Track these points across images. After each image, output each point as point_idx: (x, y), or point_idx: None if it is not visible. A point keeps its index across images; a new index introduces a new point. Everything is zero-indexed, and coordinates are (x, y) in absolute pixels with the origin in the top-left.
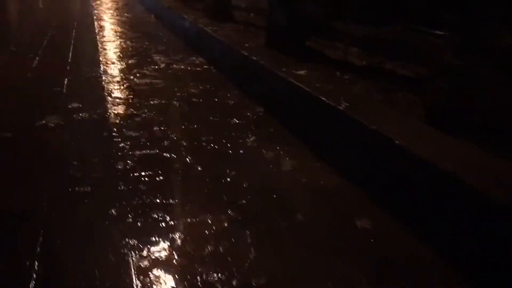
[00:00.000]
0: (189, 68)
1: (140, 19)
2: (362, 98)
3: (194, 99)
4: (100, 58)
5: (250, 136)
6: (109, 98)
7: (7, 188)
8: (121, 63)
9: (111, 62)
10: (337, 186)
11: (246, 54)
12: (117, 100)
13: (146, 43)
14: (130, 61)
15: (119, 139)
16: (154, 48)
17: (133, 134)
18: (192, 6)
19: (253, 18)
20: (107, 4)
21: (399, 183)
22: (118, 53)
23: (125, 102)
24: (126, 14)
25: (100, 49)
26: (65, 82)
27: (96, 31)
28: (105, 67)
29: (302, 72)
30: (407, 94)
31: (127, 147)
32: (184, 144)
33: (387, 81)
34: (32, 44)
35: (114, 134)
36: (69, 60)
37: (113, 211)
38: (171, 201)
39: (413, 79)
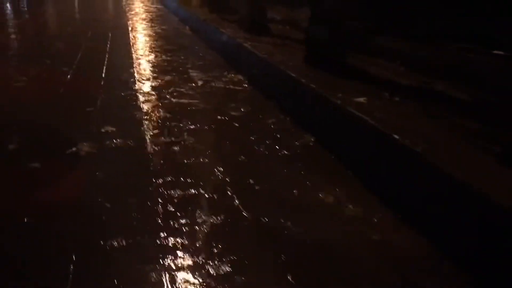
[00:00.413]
0: (228, 86)
1: (175, 31)
2: (437, 136)
3: (236, 124)
4: (135, 74)
5: (302, 173)
6: (145, 122)
7: (25, 239)
8: (157, 80)
9: (147, 78)
10: (418, 250)
11: (293, 75)
12: (154, 123)
13: (182, 57)
14: (166, 78)
15: (157, 175)
16: (191, 63)
17: (172, 168)
18: (227, 18)
19: (289, 31)
20: (141, 15)
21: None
22: (154, 69)
23: (163, 126)
24: (161, 26)
25: (135, 64)
26: (99, 101)
27: (131, 43)
28: (140, 83)
29: (361, 99)
30: (471, 123)
31: (166, 184)
32: (229, 182)
33: (444, 105)
34: (67, 57)
35: (151, 168)
36: (103, 75)
37: (153, 274)
38: (215, 262)
39: (470, 102)
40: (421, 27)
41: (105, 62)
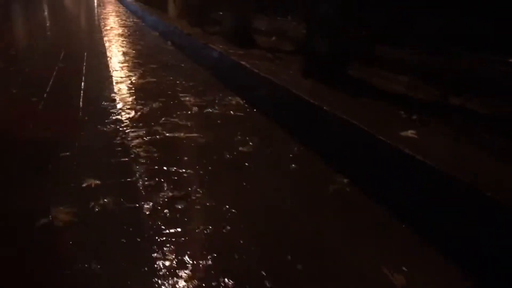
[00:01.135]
0: (227, 113)
1: (157, 48)
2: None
3: (247, 163)
4: (118, 102)
5: (350, 235)
6: (137, 169)
7: None
8: (144, 108)
9: (132, 107)
10: None
11: (311, 100)
12: (149, 172)
13: (170, 77)
14: (154, 105)
15: (159, 252)
16: (180, 85)
17: (178, 240)
18: (209, 30)
19: (276, 42)
20: (117, 29)
21: None
22: (139, 93)
23: (160, 174)
24: (140, 42)
25: (116, 89)
26: (76, 142)
27: (109, 64)
28: (125, 114)
29: (409, 133)
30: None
31: (171, 263)
32: (257, 256)
33: (472, 123)
34: (37, 83)
35: (150, 241)
36: (81, 105)
37: None
38: None
39: (495, 116)
40: (429, 34)
41: (82, 87)
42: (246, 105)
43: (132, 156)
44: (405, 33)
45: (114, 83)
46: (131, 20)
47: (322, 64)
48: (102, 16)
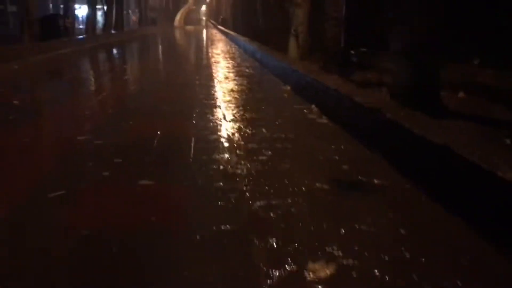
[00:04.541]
0: None
1: (299, 122)
2: None
3: None
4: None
5: None
6: None
7: None
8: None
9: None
10: None
11: None
12: None
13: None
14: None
15: None
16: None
17: None
18: (354, 79)
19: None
20: (233, 81)
21: None
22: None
23: None
24: (269, 108)
25: (246, 181)
26: None
27: (231, 138)
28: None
29: None
30: None
31: None
32: None
33: None
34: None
35: None
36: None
37: None
38: None
39: None
40: None
41: (191, 167)
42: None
43: None
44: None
45: (240, 168)
46: (248, 64)
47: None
48: (213, 60)
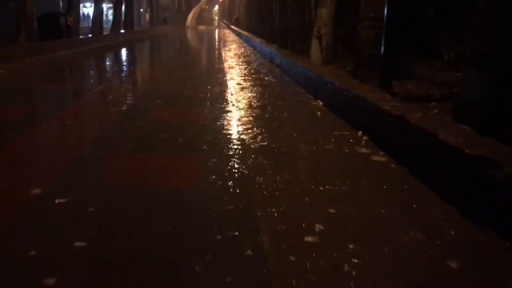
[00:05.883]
0: None
1: (345, 161)
2: None
3: None
4: None
5: None
6: None
7: None
8: None
9: None
10: None
11: None
12: None
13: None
14: None
15: None
16: None
17: None
18: (396, 92)
19: None
20: (251, 93)
21: None
22: None
23: None
24: (304, 136)
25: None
26: None
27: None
28: None
29: None
30: None
31: None
32: None
33: None
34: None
35: None
36: None
37: None
38: None
39: None
40: None
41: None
42: None
43: None
44: None
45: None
46: (266, 70)
47: None
48: (226, 64)
